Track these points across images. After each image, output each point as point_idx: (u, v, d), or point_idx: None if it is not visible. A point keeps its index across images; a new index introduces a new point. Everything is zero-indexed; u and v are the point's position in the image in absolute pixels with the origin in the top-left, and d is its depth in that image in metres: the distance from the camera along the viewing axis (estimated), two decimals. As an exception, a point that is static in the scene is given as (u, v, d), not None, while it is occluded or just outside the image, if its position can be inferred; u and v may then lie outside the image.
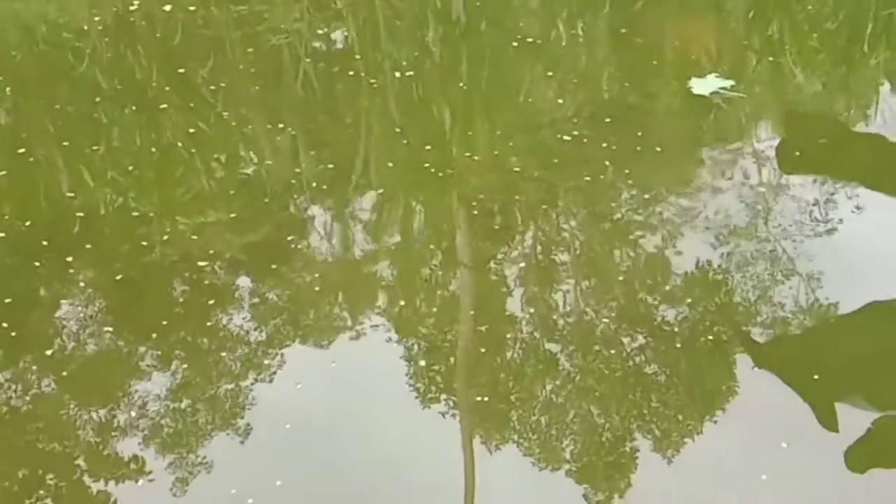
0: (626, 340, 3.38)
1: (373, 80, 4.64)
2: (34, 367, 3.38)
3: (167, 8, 5.10)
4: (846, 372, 3.26)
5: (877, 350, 3.34)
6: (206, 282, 3.69)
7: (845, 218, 3.86)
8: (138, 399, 3.26)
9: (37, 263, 3.71)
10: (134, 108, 4.47)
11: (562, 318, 3.51)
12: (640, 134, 4.21)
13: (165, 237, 3.81)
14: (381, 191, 4.10)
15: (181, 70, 4.68)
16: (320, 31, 5.02)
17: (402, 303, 3.60)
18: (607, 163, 4.07)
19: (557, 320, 3.50)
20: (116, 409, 3.23)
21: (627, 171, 4.03)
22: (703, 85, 4.46)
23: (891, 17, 5.02)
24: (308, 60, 4.81)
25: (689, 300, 3.52)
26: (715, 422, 3.11)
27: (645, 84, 4.61)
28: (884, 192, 3.99)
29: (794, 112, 4.54)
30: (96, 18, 5.03)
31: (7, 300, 3.56)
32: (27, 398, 3.28)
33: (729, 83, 4.45)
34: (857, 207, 3.91)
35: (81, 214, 3.92)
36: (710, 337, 3.37)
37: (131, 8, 5.10)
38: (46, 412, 3.23)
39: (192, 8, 5.13)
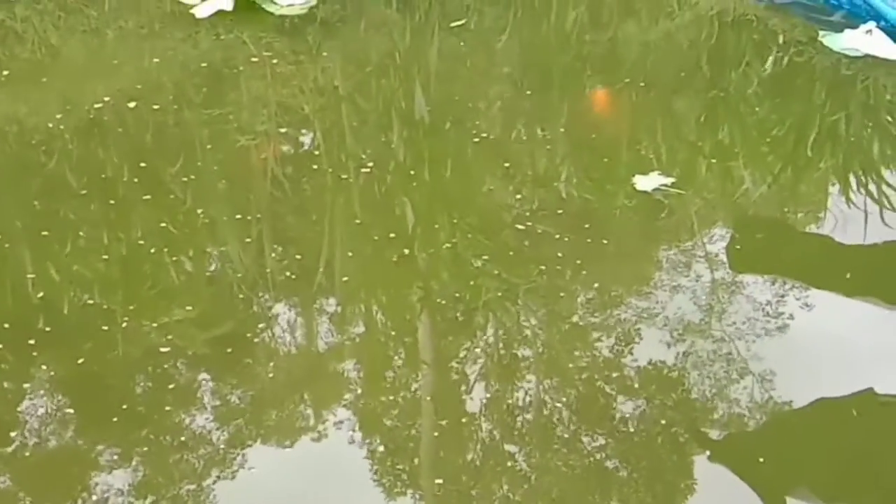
0: (585, 439, 3.45)
1: (339, 178, 4.75)
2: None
3: (132, 105, 5.21)
4: (795, 466, 3.34)
5: (825, 445, 3.43)
6: (170, 377, 3.73)
7: (795, 315, 3.98)
8: (99, 494, 3.27)
9: (3, 364, 3.74)
10: (102, 204, 4.54)
11: (521, 415, 3.58)
12: (587, 226, 4.33)
13: (129, 332, 3.85)
14: (344, 286, 4.18)
15: (149, 167, 4.77)
16: (288, 133, 5.14)
17: (366, 399, 3.66)
18: (560, 254, 4.17)
19: (517, 417, 3.57)
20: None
21: (579, 262, 4.14)
22: (647, 181, 4.61)
23: (836, 123, 5.24)
24: (274, 161, 4.93)
25: (645, 398, 3.60)
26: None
27: (594, 181, 4.74)
28: (832, 290, 4.13)
29: (744, 212, 4.69)
30: (67, 118, 5.12)
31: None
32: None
33: (670, 180, 4.60)
34: (807, 305, 4.04)
35: (45, 309, 3.96)
36: (668, 434, 3.45)
37: (98, 106, 5.20)
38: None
39: (157, 107, 5.24)
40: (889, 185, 4.75)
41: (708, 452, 3.40)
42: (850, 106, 5.36)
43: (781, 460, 3.36)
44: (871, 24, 5.68)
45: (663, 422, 3.50)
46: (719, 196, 4.78)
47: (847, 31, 5.71)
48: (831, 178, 4.93)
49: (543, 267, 4.14)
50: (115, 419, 3.53)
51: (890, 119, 5.42)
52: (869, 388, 3.57)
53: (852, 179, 4.85)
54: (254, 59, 5.65)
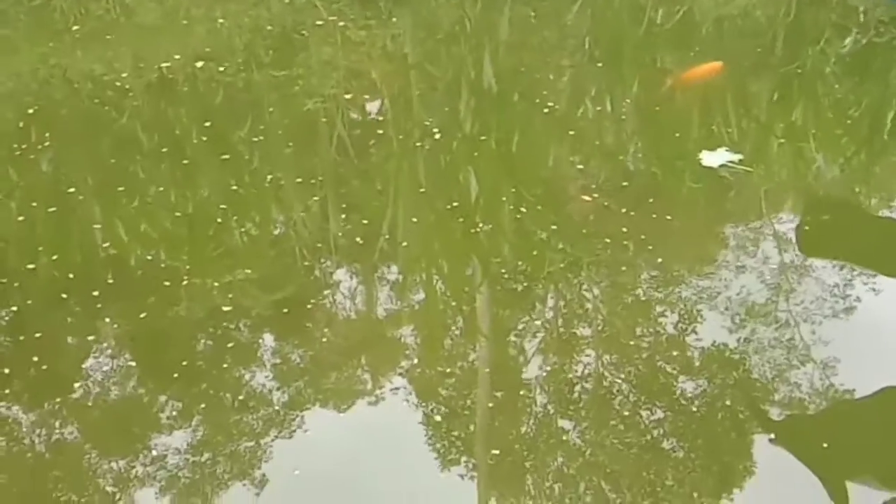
0: (643, 414, 3.42)
1: (405, 145, 4.75)
2: (58, 409, 3.46)
3: (210, 67, 5.25)
4: (858, 452, 3.28)
5: (889, 432, 3.36)
6: (230, 336, 3.77)
7: (863, 301, 3.90)
8: (159, 449, 3.33)
9: (69, 315, 3.81)
10: (170, 163, 4.59)
11: (579, 389, 3.55)
12: (652, 201, 4.28)
13: (193, 291, 3.90)
14: (406, 253, 4.18)
15: (218, 128, 4.81)
16: (356, 98, 5.14)
17: (423, 367, 3.66)
18: (625, 229, 4.13)
19: (574, 392, 3.54)
20: (135, 460, 3.29)
21: (643, 238, 4.10)
22: (713, 157, 4.53)
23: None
24: (342, 126, 4.93)
25: (706, 376, 3.56)
26: (731, 499, 3.14)
27: (662, 156, 4.68)
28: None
29: (815, 194, 4.59)
30: (138, 77, 5.18)
31: (37, 335, 3.65)
32: (49, 439, 3.35)
33: (738, 157, 4.52)
34: (874, 291, 3.95)
35: (111, 263, 4.02)
36: (728, 415, 3.41)
37: (169, 66, 5.24)
38: (66, 458, 3.30)
39: (232, 69, 5.27)
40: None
41: (771, 434, 3.35)
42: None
43: (845, 447, 3.30)
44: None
45: (724, 402, 3.46)
46: (790, 176, 4.69)
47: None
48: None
49: (608, 240, 4.10)
50: (175, 374, 3.57)
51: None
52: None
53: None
54: (322, 23, 5.65)
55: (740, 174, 4.48)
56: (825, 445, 3.27)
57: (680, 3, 5.94)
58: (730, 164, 4.50)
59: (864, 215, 4.49)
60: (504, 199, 4.43)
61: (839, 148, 4.86)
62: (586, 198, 4.35)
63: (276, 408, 3.49)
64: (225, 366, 3.64)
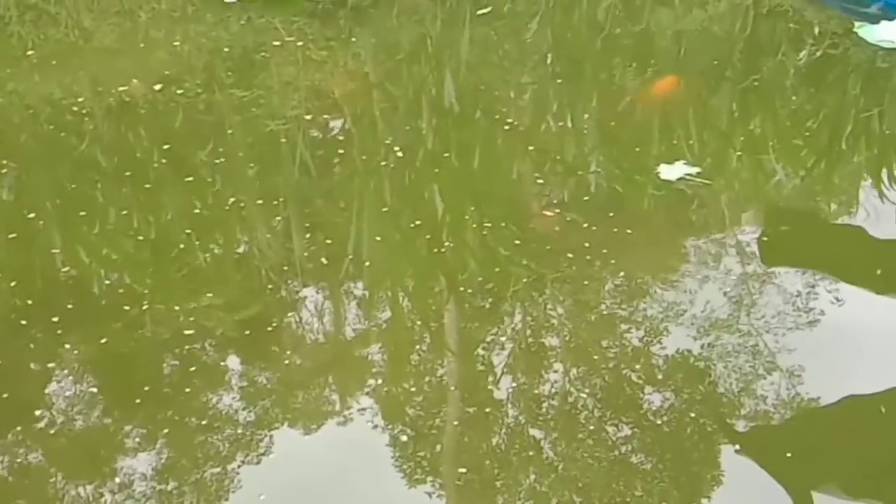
0: (611, 428, 3.43)
1: (368, 164, 4.75)
2: (19, 438, 3.42)
3: (170, 89, 5.24)
4: (822, 461, 3.32)
5: (852, 442, 3.40)
6: (195, 359, 3.74)
7: (825, 310, 3.94)
8: (122, 476, 3.30)
9: (31, 341, 3.77)
10: (132, 186, 4.57)
11: (547, 404, 3.56)
12: (613, 216, 4.31)
13: (157, 315, 3.87)
14: (371, 272, 4.18)
15: (180, 150, 4.79)
16: (317, 119, 5.13)
17: (390, 386, 3.66)
18: (587, 244, 4.16)
19: (542, 407, 3.55)
20: (102, 486, 3.26)
21: (606, 252, 4.12)
22: (671, 171, 4.58)
23: (870, 116, 5.17)
24: (304, 146, 4.93)
25: (672, 388, 3.58)
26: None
27: (623, 170, 4.71)
28: (863, 286, 4.08)
29: (776, 204, 4.64)
30: (98, 100, 5.15)
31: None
32: (11, 468, 3.31)
33: (695, 170, 4.57)
34: (837, 300, 3.99)
35: (72, 289, 3.99)
36: (694, 426, 3.43)
37: (129, 89, 5.22)
38: (28, 486, 3.26)
39: (192, 91, 5.25)
40: (924, 179, 4.69)
41: (736, 445, 3.37)
42: (885, 99, 5.29)
43: (809, 456, 3.33)
44: (908, 15, 5.61)
45: (690, 414, 3.48)
46: (751, 188, 4.73)
47: (883, 23, 5.64)
48: (865, 172, 4.87)
49: (571, 256, 4.12)
50: (138, 400, 3.55)
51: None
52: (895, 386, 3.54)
53: (885, 174, 4.78)
54: (281, 44, 5.65)
55: (699, 186, 4.52)
56: (789, 455, 3.30)
57: (638, 20, 6.00)
58: (688, 177, 4.55)
59: (823, 224, 4.54)
60: (468, 216, 4.44)
61: (798, 158, 4.92)
62: (548, 213, 4.38)
63: (242, 430, 3.48)
64: (189, 389, 3.62)
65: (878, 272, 4.08)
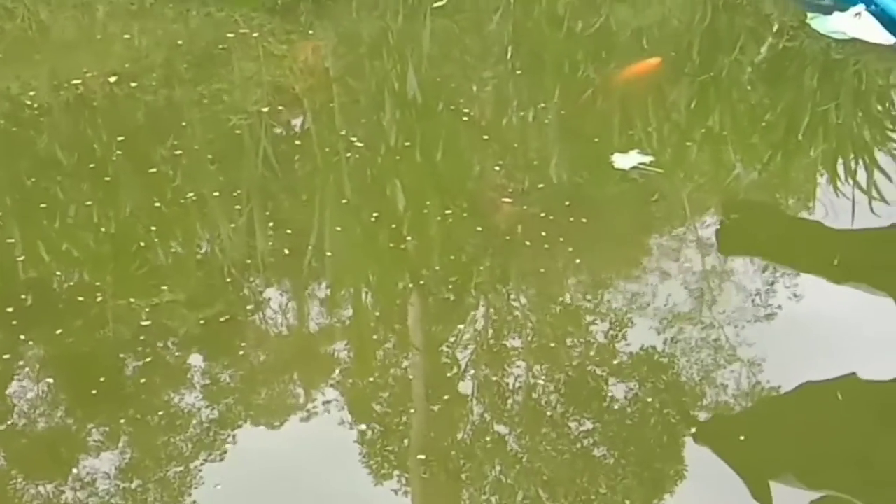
0: (574, 422, 3.47)
1: (329, 158, 4.75)
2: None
3: (129, 83, 5.19)
4: (779, 450, 3.36)
5: (809, 429, 3.45)
6: (158, 357, 3.73)
7: (783, 300, 4.00)
8: (84, 471, 3.28)
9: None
10: (91, 182, 4.53)
11: (511, 398, 3.59)
12: (574, 207, 4.34)
13: (118, 311, 3.85)
14: (333, 266, 4.18)
15: (140, 145, 4.76)
16: (279, 112, 5.12)
17: (354, 380, 3.67)
18: (544, 233, 4.18)
19: (506, 400, 3.58)
20: (62, 484, 3.25)
21: (567, 243, 4.14)
22: (625, 159, 4.62)
23: (827, 109, 5.24)
24: (266, 140, 4.91)
25: (635, 380, 3.62)
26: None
27: (578, 160, 4.74)
28: (820, 276, 4.14)
29: (733, 196, 4.69)
30: (56, 95, 5.10)
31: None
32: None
33: (649, 159, 4.61)
34: (795, 292, 4.05)
35: (30, 285, 3.96)
36: (657, 418, 3.47)
37: (88, 84, 5.18)
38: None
39: (152, 85, 5.22)
40: (880, 170, 4.76)
41: (693, 433, 3.42)
42: (840, 92, 5.36)
43: (767, 444, 3.38)
44: (861, 7, 5.67)
45: (652, 406, 3.52)
46: (709, 180, 4.78)
47: (835, 14, 5.71)
48: (821, 165, 4.94)
49: (532, 248, 4.14)
50: (98, 395, 3.53)
51: (880, 106, 5.42)
52: (852, 372, 3.59)
53: (842, 166, 4.85)
54: (242, 38, 5.63)
55: (654, 176, 4.57)
56: (742, 439, 3.34)
57: (597, 14, 6.03)
58: (641, 166, 4.59)
59: (780, 214, 4.60)
60: (429, 208, 4.45)
61: (754, 150, 4.98)
62: (506, 200, 4.40)
63: (207, 427, 3.47)
64: (151, 386, 3.60)
65: (835, 262, 4.14)
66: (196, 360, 3.75)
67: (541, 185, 4.52)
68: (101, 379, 3.59)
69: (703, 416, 3.52)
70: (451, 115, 5.06)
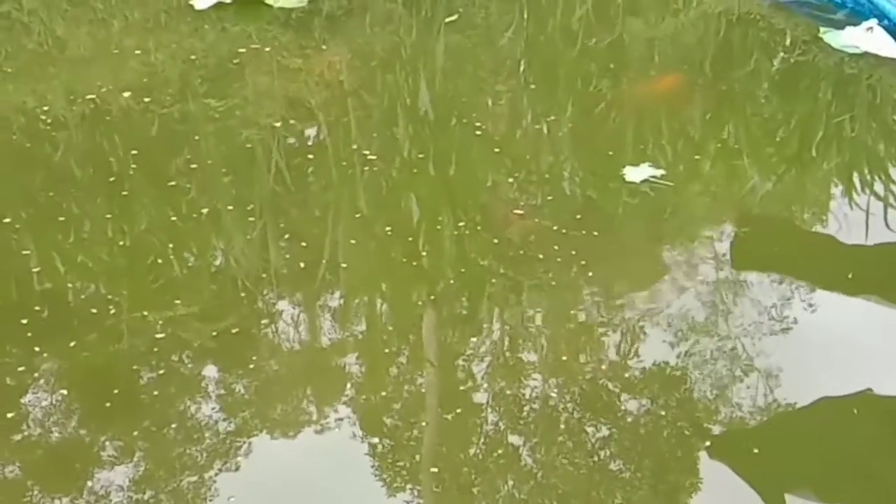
0: (589, 436, 3.46)
1: (343, 172, 4.76)
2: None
3: (145, 98, 5.22)
4: (796, 465, 3.35)
5: (825, 444, 3.43)
6: (172, 369, 3.73)
7: (798, 314, 3.99)
8: (101, 488, 3.28)
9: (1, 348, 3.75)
10: (106, 196, 4.55)
11: (525, 412, 3.58)
12: (589, 222, 4.35)
13: (133, 324, 3.86)
14: (347, 281, 4.18)
15: (155, 160, 4.78)
16: (293, 127, 5.13)
17: (368, 394, 3.66)
18: (556, 247, 4.19)
19: (520, 415, 3.57)
20: (78, 498, 3.25)
21: (581, 258, 4.15)
22: (636, 172, 4.62)
23: (841, 122, 5.23)
24: (280, 154, 4.92)
25: (649, 394, 3.61)
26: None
27: (597, 176, 4.75)
28: (835, 290, 4.12)
29: (748, 210, 4.68)
30: (72, 109, 5.13)
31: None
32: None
33: (660, 172, 4.61)
34: (810, 305, 4.04)
35: (47, 298, 3.97)
36: (672, 433, 3.45)
37: (104, 98, 5.21)
38: (6, 497, 3.24)
39: (167, 100, 5.24)
40: (894, 184, 4.74)
41: (708, 447, 3.40)
42: (854, 105, 5.35)
43: (782, 459, 3.37)
44: (873, 22, 5.67)
45: (667, 420, 3.51)
46: (724, 194, 4.77)
47: (848, 28, 5.71)
48: (836, 178, 4.92)
49: (546, 262, 4.14)
50: (113, 408, 3.53)
51: (894, 119, 5.41)
52: (868, 388, 3.58)
53: (857, 179, 4.84)
54: (257, 52, 5.65)
55: (667, 190, 4.56)
56: (762, 458, 3.32)
57: (611, 29, 6.04)
58: (652, 179, 4.59)
59: (794, 229, 4.59)
60: (442, 221, 4.45)
61: (768, 164, 4.97)
62: (518, 211, 4.40)
63: (221, 440, 3.47)
64: (166, 399, 3.60)
65: (850, 276, 4.12)
66: (210, 372, 3.75)
67: (550, 198, 4.52)
68: (115, 391, 3.60)
69: (717, 429, 3.50)
70: (463, 128, 5.07)
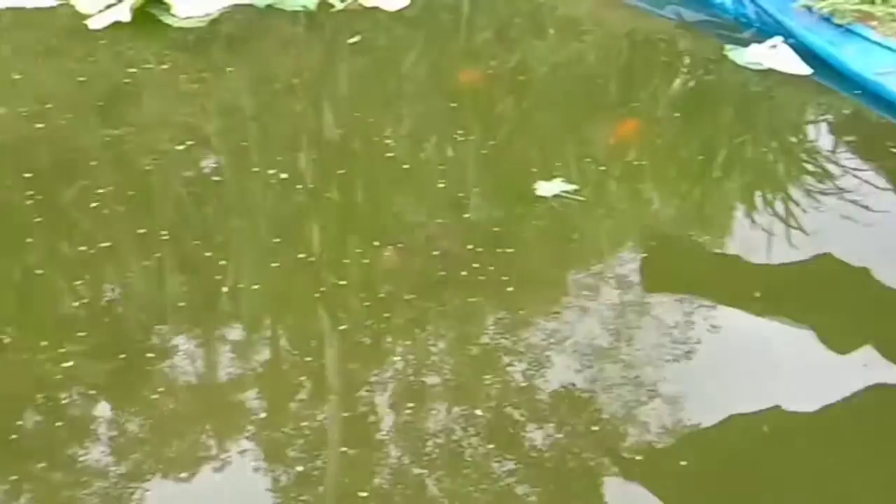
0: (496, 465, 3.39)
1: (245, 198, 4.64)
2: None
3: (29, 124, 5.04)
4: (709, 483, 3.36)
5: (737, 461, 3.43)
6: (65, 409, 3.57)
7: (704, 335, 3.98)
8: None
9: None
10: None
11: (431, 442, 3.50)
12: (498, 245, 4.33)
13: (20, 363, 3.69)
14: (248, 311, 4.07)
15: (47, 188, 4.61)
16: (190, 154, 4.99)
17: (269, 428, 3.55)
18: (464, 272, 4.15)
19: (426, 445, 3.49)
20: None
21: (489, 283, 4.08)
22: (549, 187, 4.62)
23: (743, 142, 5.28)
24: (177, 182, 4.79)
25: (555, 422, 3.56)
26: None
27: (502, 198, 4.72)
28: (742, 309, 4.14)
29: (653, 232, 4.68)
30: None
31: None
32: None
33: (572, 187, 4.60)
34: (715, 325, 4.04)
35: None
36: (579, 459, 3.40)
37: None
38: None
39: (56, 126, 5.07)
40: (796, 204, 4.79)
41: (620, 472, 3.37)
42: (757, 124, 5.41)
43: (696, 478, 3.36)
44: (778, 39, 5.77)
45: (575, 447, 3.46)
46: (629, 216, 4.77)
47: (753, 46, 5.80)
48: (739, 198, 4.96)
49: (453, 287, 4.08)
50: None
51: (795, 138, 5.49)
52: (776, 405, 3.59)
53: (760, 199, 4.88)
54: (154, 76, 5.51)
55: (585, 218, 4.55)
56: (671, 471, 3.30)
57: (512, 52, 6.03)
58: (564, 194, 4.58)
59: (699, 248, 4.60)
60: (348, 249, 4.37)
61: (673, 184, 4.99)
62: (400, 245, 4.34)
63: (116, 480, 3.33)
64: (58, 440, 3.44)
65: (756, 295, 4.15)
66: (102, 410, 3.59)
67: (466, 216, 4.48)
68: (10, 435, 3.43)
69: (629, 453, 3.47)
70: (371, 150, 4.99)
